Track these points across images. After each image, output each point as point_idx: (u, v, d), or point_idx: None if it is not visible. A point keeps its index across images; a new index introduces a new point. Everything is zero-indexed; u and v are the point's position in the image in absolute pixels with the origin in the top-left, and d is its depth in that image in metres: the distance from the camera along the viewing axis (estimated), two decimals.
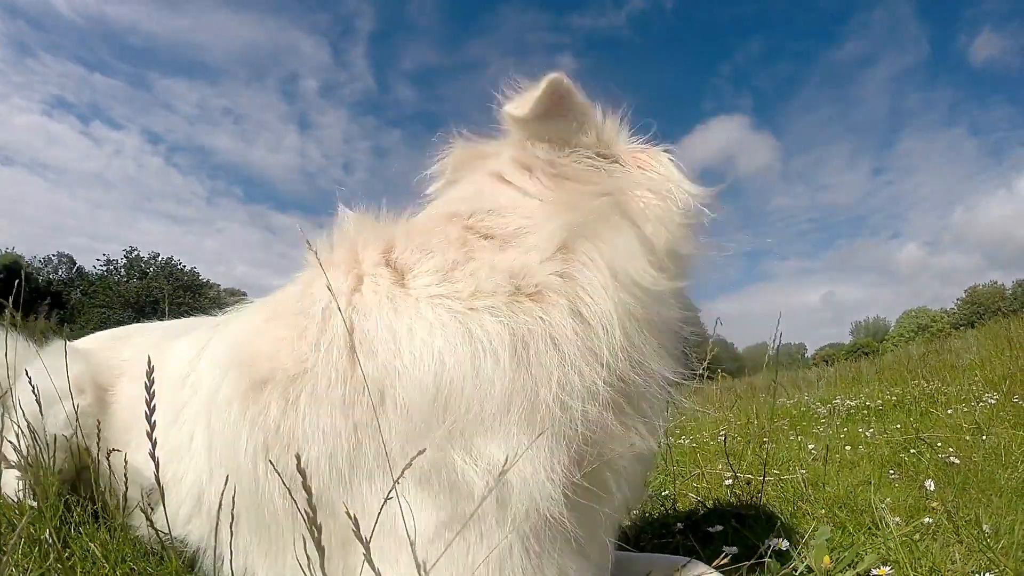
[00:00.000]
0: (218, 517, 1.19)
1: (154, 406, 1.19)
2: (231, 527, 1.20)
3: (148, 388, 1.18)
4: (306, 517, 0.94)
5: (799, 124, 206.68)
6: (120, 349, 2.05)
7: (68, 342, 2.04)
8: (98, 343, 2.16)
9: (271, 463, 1.11)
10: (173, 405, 1.50)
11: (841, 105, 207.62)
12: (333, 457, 1.09)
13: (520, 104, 1.24)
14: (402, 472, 0.99)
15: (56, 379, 1.71)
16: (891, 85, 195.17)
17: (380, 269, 1.21)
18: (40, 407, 1.67)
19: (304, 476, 0.93)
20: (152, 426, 1.18)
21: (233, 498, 1.18)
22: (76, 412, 1.72)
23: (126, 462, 1.44)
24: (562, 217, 1.19)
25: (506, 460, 1.02)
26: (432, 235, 1.23)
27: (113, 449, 1.53)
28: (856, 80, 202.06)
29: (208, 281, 56.79)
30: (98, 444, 1.60)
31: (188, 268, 57.53)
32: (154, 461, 1.21)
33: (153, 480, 1.28)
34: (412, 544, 1.03)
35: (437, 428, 1.04)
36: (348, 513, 0.93)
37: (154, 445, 1.19)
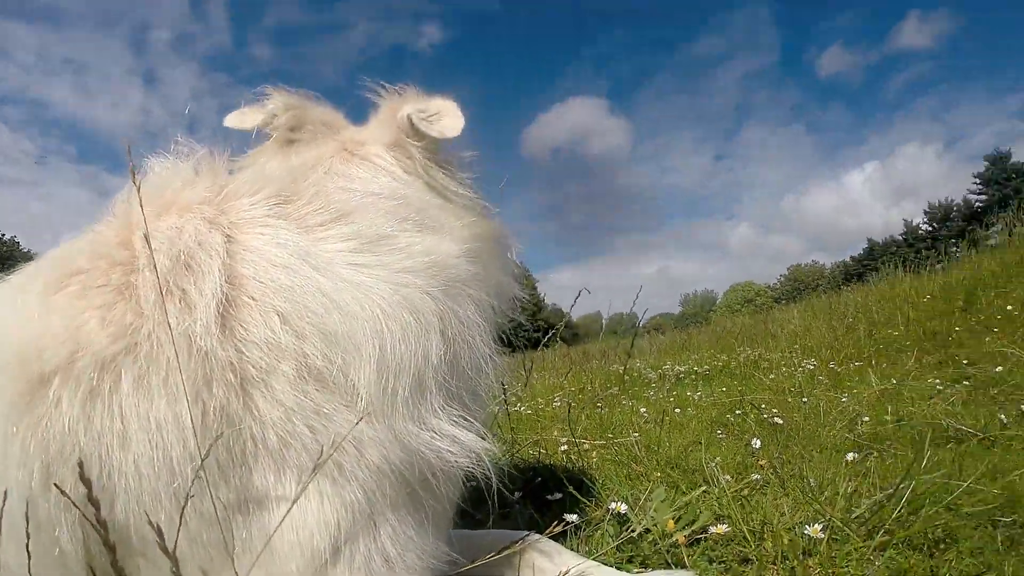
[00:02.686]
0: None
1: None
2: None
3: None
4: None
5: (651, 110, 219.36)
6: None
7: None
8: None
9: (56, 485, 0.82)
10: None
11: (692, 96, 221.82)
12: (168, 457, 0.87)
13: (452, 127, 1.31)
14: (329, 454, 0.93)
15: None
16: (741, 82, 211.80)
17: (274, 221, 1.07)
18: None
19: (89, 487, 0.77)
20: None
21: None
22: None
23: None
24: (464, 219, 1.30)
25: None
26: (337, 198, 1.17)
27: None
28: (709, 74, 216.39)
29: (30, 252, 50.30)
30: None
31: (8, 237, 50.02)
32: None
33: None
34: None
35: (386, 400, 0.99)
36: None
37: None
